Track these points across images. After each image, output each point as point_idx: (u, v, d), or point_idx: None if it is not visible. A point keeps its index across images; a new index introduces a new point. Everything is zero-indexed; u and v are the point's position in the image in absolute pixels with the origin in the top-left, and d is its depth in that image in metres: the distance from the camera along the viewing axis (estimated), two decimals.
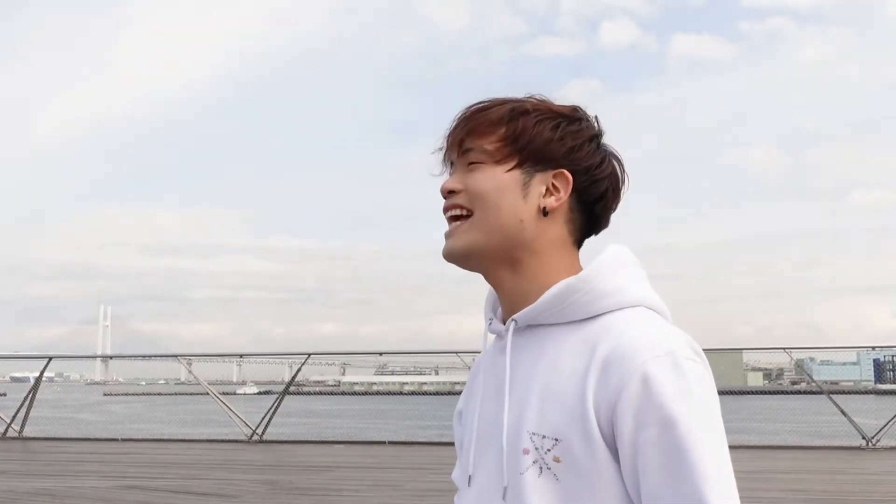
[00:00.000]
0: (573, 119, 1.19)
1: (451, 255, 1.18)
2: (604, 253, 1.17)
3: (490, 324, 1.23)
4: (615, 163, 1.21)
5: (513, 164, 1.16)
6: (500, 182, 1.15)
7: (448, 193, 1.19)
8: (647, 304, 1.14)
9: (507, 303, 1.19)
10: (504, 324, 1.19)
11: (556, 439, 1.06)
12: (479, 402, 1.20)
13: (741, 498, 1.04)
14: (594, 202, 1.19)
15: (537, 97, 1.21)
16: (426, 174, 1.24)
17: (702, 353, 1.09)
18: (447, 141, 1.21)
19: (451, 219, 1.19)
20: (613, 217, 1.23)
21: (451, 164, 1.22)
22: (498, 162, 1.16)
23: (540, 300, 1.14)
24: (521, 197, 1.15)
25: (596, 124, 1.21)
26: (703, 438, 1.01)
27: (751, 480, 7.88)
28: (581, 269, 1.18)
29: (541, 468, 1.07)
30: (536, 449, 1.08)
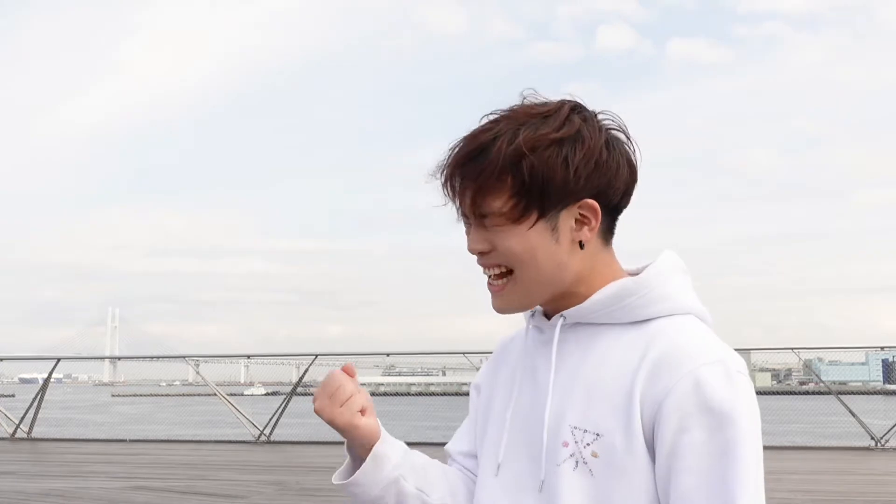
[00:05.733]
0: (576, 139, 1.10)
1: (503, 313, 1.17)
2: (659, 259, 1.17)
3: (532, 315, 1.22)
4: (626, 150, 1.16)
5: (534, 218, 1.10)
6: (528, 241, 1.11)
7: (478, 254, 1.15)
8: (697, 314, 1.15)
9: (555, 307, 1.18)
10: (548, 318, 1.19)
11: (598, 434, 1.07)
12: (514, 392, 1.20)
13: None
14: (619, 202, 1.17)
15: (525, 105, 1.13)
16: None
17: (746, 368, 1.10)
18: (449, 190, 1.14)
19: (492, 276, 1.15)
20: (616, 221, 1.22)
21: (464, 216, 1.16)
22: (518, 221, 1.10)
23: (592, 299, 1.14)
24: (553, 244, 1.11)
25: (594, 126, 1.13)
26: (746, 450, 1.02)
27: None
28: (618, 263, 1.18)
29: (577, 462, 1.08)
30: (576, 443, 1.09)
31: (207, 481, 8.82)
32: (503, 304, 1.16)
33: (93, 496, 7.72)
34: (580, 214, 1.12)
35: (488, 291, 1.17)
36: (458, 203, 1.15)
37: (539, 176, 1.08)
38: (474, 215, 1.13)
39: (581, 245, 1.13)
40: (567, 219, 1.12)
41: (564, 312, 1.16)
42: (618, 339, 1.12)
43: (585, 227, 1.12)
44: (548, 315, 1.19)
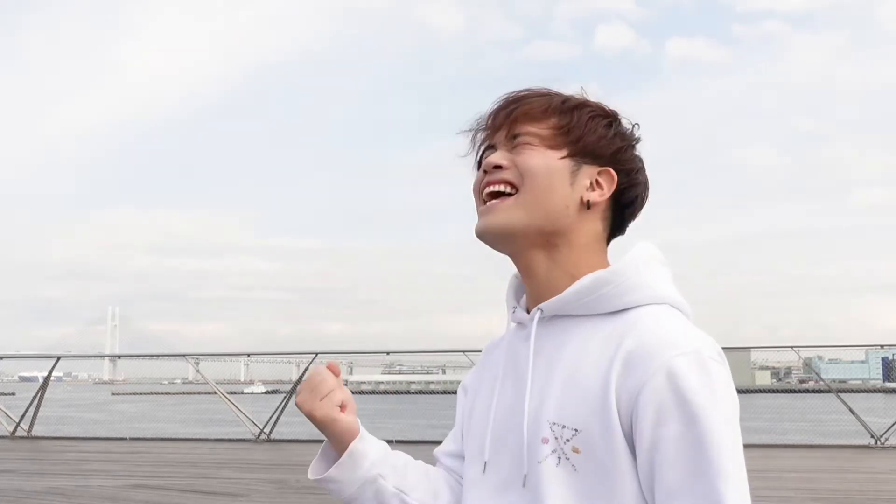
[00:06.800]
0: (619, 121, 1.21)
1: (488, 231, 1.17)
2: (634, 248, 1.18)
3: (514, 311, 1.23)
4: (646, 173, 1.23)
5: (564, 152, 1.16)
6: (552, 164, 1.16)
7: (493, 168, 1.17)
8: (673, 303, 1.15)
9: (535, 291, 1.19)
10: (528, 312, 1.19)
11: (577, 430, 1.07)
12: (497, 389, 1.20)
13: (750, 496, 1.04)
14: (627, 205, 1.21)
15: (579, 95, 1.22)
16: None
17: (724, 355, 1.09)
18: (489, 122, 1.21)
19: (492, 195, 1.17)
20: (621, 226, 1.25)
21: (491, 147, 1.21)
22: (550, 147, 1.17)
23: (568, 290, 1.14)
24: (568, 184, 1.16)
25: (636, 131, 1.23)
26: (724, 438, 1.02)
27: (759, 479, 7.86)
28: (609, 264, 1.19)
29: (559, 458, 1.08)
30: (556, 438, 1.08)
31: (207, 479, 8.83)
32: (493, 219, 1.16)
33: (93, 494, 7.72)
34: (597, 180, 1.18)
35: (477, 216, 1.19)
36: (489, 131, 1.20)
37: (581, 125, 1.17)
38: (506, 136, 1.18)
39: (588, 205, 1.16)
40: (586, 176, 1.17)
41: (541, 305, 1.16)
42: (594, 330, 1.12)
43: (596, 192, 1.17)
44: (528, 310, 1.20)
